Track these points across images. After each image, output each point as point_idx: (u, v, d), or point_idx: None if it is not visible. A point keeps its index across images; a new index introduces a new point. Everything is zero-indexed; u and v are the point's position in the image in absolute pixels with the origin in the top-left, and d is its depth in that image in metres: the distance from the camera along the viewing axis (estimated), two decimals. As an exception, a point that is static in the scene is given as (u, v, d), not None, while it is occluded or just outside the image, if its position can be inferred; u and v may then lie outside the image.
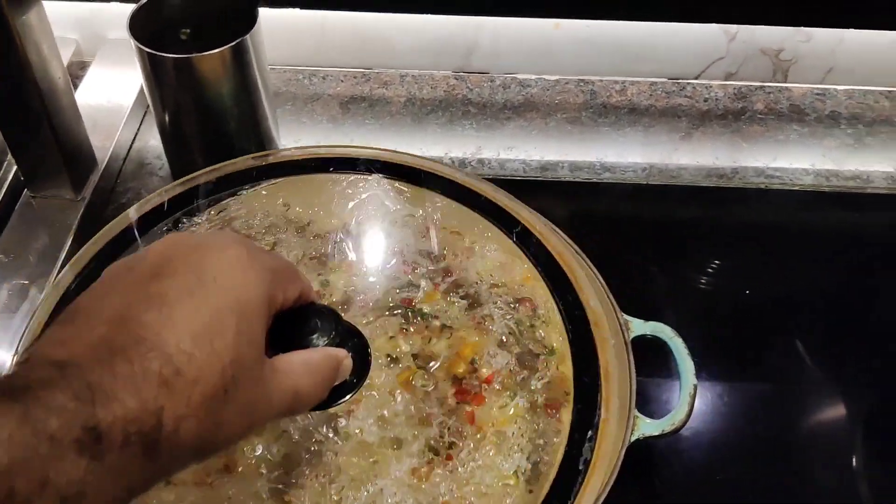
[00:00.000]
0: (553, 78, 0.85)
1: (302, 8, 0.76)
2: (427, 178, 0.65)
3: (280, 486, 0.49)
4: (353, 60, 0.85)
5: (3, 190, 0.69)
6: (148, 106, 0.81)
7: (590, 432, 0.50)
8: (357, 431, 0.51)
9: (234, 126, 0.71)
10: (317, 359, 0.41)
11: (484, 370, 0.54)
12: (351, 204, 0.64)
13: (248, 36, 0.66)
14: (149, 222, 0.62)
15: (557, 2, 0.78)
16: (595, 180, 0.76)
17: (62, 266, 0.64)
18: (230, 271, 0.37)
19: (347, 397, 0.45)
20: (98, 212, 0.71)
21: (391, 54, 0.85)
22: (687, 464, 0.58)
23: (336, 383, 0.43)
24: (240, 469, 0.49)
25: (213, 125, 0.71)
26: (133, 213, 0.62)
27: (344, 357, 0.43)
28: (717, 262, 0.71)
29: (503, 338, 0.56)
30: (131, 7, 0.66)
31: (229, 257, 0.37)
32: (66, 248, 0.65)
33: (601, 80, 0.85)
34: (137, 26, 0.66)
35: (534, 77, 0.85)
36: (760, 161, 0.79)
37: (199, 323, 0.34)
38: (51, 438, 0.28)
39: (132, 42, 0.65)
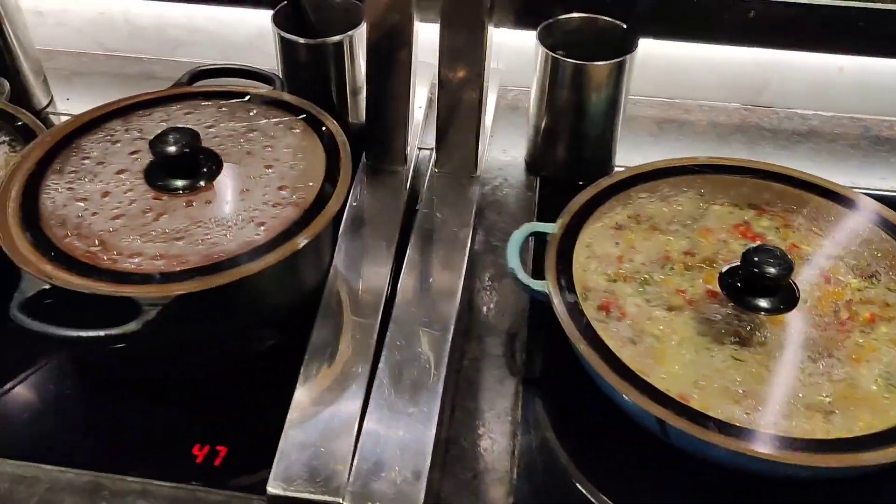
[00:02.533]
0: (828, 114, 1.00)
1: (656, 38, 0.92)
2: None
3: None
4: (656, 90, 1.00)
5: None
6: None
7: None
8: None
9: (596, 133, 0.86)
10: None
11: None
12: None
13: (628, 56, 0.81)
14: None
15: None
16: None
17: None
18: None
19: None
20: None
21: (690, 87, 1.00)
22: None
23: None
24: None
25: (583, 127, 0.85)
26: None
27: None
28: None
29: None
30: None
31: None
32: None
33: (871, 118, 0.99)
34: (543, 38, 0.82)
35: (811, 112, 1.00)
36: None
37: None
38: None
39: (542, 51, 0.81)
